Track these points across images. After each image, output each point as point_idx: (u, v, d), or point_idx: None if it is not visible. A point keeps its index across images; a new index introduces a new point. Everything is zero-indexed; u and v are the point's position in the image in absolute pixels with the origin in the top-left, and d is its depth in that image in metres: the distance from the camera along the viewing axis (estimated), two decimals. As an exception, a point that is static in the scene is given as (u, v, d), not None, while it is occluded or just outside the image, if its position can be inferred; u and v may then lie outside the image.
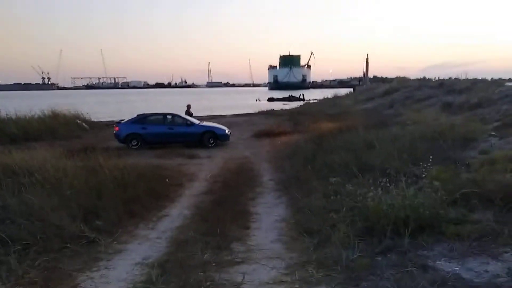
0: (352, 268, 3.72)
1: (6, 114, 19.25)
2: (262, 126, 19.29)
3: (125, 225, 5.52)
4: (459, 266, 3.46)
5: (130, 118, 14.79)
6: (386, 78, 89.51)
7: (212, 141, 14.11)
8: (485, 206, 4.48)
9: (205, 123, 15.35)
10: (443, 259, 3.64)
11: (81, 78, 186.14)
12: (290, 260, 4.26)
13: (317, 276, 3.73)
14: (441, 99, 17.19)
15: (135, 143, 13.56)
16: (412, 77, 49.56)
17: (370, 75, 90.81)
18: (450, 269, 3.42)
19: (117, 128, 14.18)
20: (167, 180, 8.23)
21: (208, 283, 3.68)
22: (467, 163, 5.98)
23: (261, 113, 27.97)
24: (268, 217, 6.06)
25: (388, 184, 5.12)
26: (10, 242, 4.39)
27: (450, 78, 28.98)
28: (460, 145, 7.62)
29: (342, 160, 7.77)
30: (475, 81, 21.91)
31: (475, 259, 3.54)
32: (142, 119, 14.33)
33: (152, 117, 14.50)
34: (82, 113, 20.96)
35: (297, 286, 3.62)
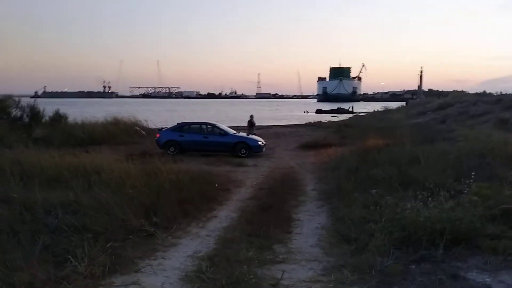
0: (386, 273, 3.97)
1: (74, 120, 21.25)
2: (308, 137, 19.61)
3: (179, 223, 6.11)
4: (491, 278, 3.61)
5: (171, 126, 15.81)
6: (442, 91, 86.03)
7: (244, 152, 14.44)
8: (526, 224, 4.52)
9: (241, 134, 15.88)
10: (475, 271, 3.79)
11: (138, 88, 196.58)
12: (327, 263, 4.58)
13: (352, 278, 4.03)
14: (497, 115, 16.50)
15: (173, 149, 14.16)
16: (471, 91, 47.34)
17: (425, 88, 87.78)
18: (480, 280, 3.58)
19: (158, 135, 15.18)
20: (216, 185, 8.81)
21: (251, 277, 4.09)
22: (512, 181, 5.94)
23: (308, 125, 28.24)
24: (309, 223, 6.39)
25: (429, 198, 5.30)
26: (82, 231, 5.12)
27: None
28: (509, 163, 7.47)
29: (385, 173, 7.91)
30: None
31: (508, 272, 3.66)
32: (180, 127, 15.30)
33: (190, 126, 15.39)
34: (140, 120, 22.48)
35: (331, 286, 3.94)
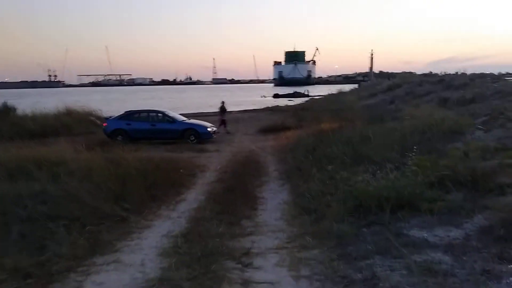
0: (342, 237, 4.54)
1: (23, 112, 20.35)
2: (267, 122, 20.11)
3: (150, 207, 6.39)
4: (427, 233, 4.27)
5: (118, 114, 15.59)
6: (392, 73, 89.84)
7: (193, 139, 14.37)
8: (458, 188, 5.26)
9: (190, 121, 15.78)
10: (415, 229, 4.44)
11: (87, 76, 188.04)
12: (291, 233, 5.10)
13: (313, 243, 4.56)
14: (439, 95, 17.86)
15: (121, 138, 13.76)
16: (419, 72, 49.89)
17: (376, 70, 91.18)
18: (419, 235, 4.23)
19: (105, 124, 15.00)
20: (181, 170, 9.08)
21: (224, 248, 4.52)
22: (448, 153, 6.75)
23: (266, 109, 28.82)
24: (273, 200, 6.90)
25: (377, 171, 5.96)
26: (56, 218, 5.26)
27: (456, 73, 29.48)
28: (447, 138, 8.36)
29: (339, 151, 8.56)
30: (473, 77, 22.53)
31: (441, 228, 4.34)
32: (128, 115, 15.10)
33: (138, 114, 15.14)
34: (94, 110, 21.91)
35: (296, 250, 4.46)
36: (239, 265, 4.13)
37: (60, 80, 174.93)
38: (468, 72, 28.25)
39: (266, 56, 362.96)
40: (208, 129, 15.00)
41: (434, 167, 5.68)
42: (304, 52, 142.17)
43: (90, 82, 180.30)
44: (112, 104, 41.20)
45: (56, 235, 4.74)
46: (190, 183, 8.37)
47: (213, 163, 10.70)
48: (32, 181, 6.98)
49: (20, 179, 7.21)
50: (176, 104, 40.75)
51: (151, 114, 15.18)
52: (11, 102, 20.64)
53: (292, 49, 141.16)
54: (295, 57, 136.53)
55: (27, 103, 27.31)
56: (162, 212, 6.31)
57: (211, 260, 4.17)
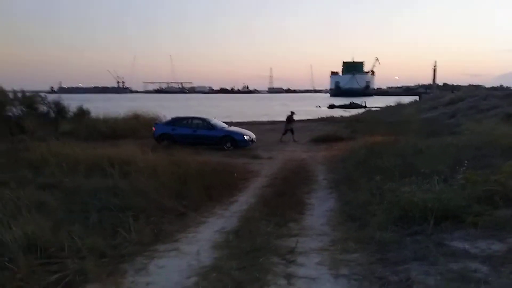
0: (383, 243, 4.76)
1: (96, 115, 22.40)
2: (320, 132, 20.28)
3: (205, 205, 6.99)
4: (469, 245, 4.36)
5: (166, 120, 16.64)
6: (456, 86, 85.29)
7: (229, 145, 15.00)
8: (507, 205, 5.23)
9: (229, 128, 16.37)
10: (457, 240, 4.54)
11: (152, 83, 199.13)
12: (334, 237, 5.38)
13: (355, 247, 4.82)
14: (504, 110, 16.95)
15: (166, 142, 14.66)
16: (487, 85, 47.01)
17: (440, 82, 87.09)
18: (460, 247, 4.33)
19: (154, 128, 16.09)
20: (235, 174, 9.67)
21: (271, 245, 4.93)
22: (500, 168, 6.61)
23: (320, 120, 28.88)
24: (320, 207, 7.19)
25: (427, 183, 6.05)
26: (125, 210, 6.01)
27: None
28: (504, 154, 8.10)
29: (390, 163, 8.63)
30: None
31: (484, 241, 4.40)
32: (174, 121, 16.18)
33: (182, 120, 16.14)
34: (159, 115, 23.47)
35: (337, 252, 4.74)
36: (284, 261, 4.51)
37: (128, 86, 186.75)
38: None
39: (323, 66, 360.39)
40: (245, 137, 15.48)
41: (484, 182, 5.66)
42: (362, 62, 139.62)
43: (154, 89, 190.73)
44: (175, 109, 43.64)
45: (126, 223, 5.43)
46: (243, 186, 8.90)
47: (265, 169, 11.18)
48: (106, 177, 7.93)
49: (96, 175, 8.20)
50: (231, 112, 42.14)
51: (194, 120, 16.10)
52: (85, 106, 22.71)
53: (350, 60, 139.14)
54: (353, 67, 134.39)
55: (102, 106, 29.92)
56: (217, 210, 6.87)
57: (259, 255, 4.60)
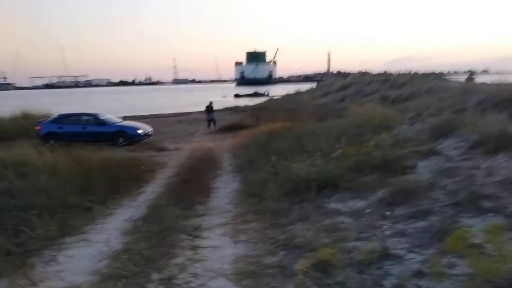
0: (276, 212, 5.54)
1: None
2: (226, 121, 20.97)
3: (112, 198, 7.11)
4: (341, 205, 5.35)
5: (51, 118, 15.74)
6: (349, 73, 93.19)
7: (122, 141, 14.57)
8: (372, 171, 6.41)
9: (121, 123, 15.79)
10: (333, 202, 5.53)
11: (40, 77, 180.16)
12: (236, 212, 6.04)
13: (253, 218, 5.54)
14: (382, 94, 19.53)
15: (53, 142, 13.73)
16: (375, 72, 52.25)
17: (335, 70, 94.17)
18: (334, 207, 5.31)
19: (38, 127, 15.14)
20: (142, 167, 9.80)
21: (178, 226, 5.39)
22: (373, 143, 7.97)
23: (226, 110, 29.65)
24: (224, 189, 7.82)
25: (314, 159, 7.04)
26: (26, 209, 5.88)
27: (410, 72, 31.43)
28: (376, 131, 9.62)
29: (286, 146, 9.64)
30: (413, 76, 24.61)
31: (353, 201, 5.44)
32: (60, 118, 15.32)
33: (70, 117, 15.37)
34: (52, 114, 21.81)
35: (238, 224, 5.40)
36: (190, 237, 5.02)
37: (10, 82, 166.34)
38: (422, 71, 30.44)
39: (228, 56, 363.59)
40: (139, 131, 15.07)
41: (356, 155, 6.83)
42: (265, 52, 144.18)
43: (43, 84, 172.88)
44: (68, 106, 40.49)
45: (29, 222, 5.38)
46: (150, 178, 9.11)
47: (172, 160, 11.45)
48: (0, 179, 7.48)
49: (-14, 179, 7.66)
50: (134, 106, 40.71)
51: (83, 117, 15.38)
52: None
53: (253, 50, 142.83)
54: (256, 57, 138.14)
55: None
56: (124, 202, 7.06)
57: (167, 235, 5.03)
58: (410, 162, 6.38)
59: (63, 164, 8.30)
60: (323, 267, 3.39)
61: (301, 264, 3.39)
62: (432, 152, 6.69)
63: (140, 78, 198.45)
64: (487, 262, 2.22)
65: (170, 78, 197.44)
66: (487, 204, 4.02)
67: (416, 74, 28.41)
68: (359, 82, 30.82)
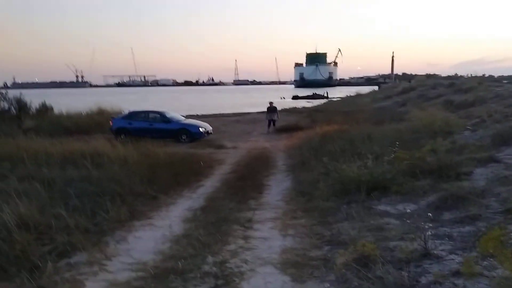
0: (324, 210, 5.77)
1: (59, 110, 22.36)
2: (282, 122, 21.31)
3: (175, 190, 7.77)
4: (390, 207, 5.44)
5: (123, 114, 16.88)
6: (415, 75, 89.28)
7: (184, 137, 15.49)
8: (426, 176, 6.37)
9: (185, 121, 16.77)
10: (383, 205, 5.62)
11: (112, 76, 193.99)
12: (286, 209, 6.36)
13: (301, 215, 5.82)
14: (447, 98, 18.64)
15: (123, 136, 14.40)
16: (444, 74, 49.67)
17: (399, 72, 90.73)
18: (383, 208, 5.41)
19: (111, 123, 16.41)
20: (201, 163, 10.47)
21: (232, 217, 5.83)
22: (428, 148, 7.83)
23: (283, 111, 29.98)
24: (277, 187, 8.17)
25: (366, 162, 7.13)
26: (101, 195, 6.69)
27: (483, 75, 29.46)
28: (433, 135, 9.39)
29: (339, 148, 9.75)
30: (482, 80, 23.11)
31: (403, 204, 5.50)
32: (130, 115, 16.53)
33: (139, 114, 16.49)
34: (123, 110, 23.67)
35: (287, 219, 5.72)
36: (243, 228, 5.42)
37: (87, 80, 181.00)
38: (497, 74, 28.49)
39: (288, 58, 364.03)
40: (201, 129, 16.00)
41: (409, 159, 6.81)
42: (325, 53, 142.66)
43: (115, 83, 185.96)
44: (140, 103, 43.34)
45: (103, 206, 6.13)
46: (209, 173, 9.72)
47: (229, 158, 12.04)
48: (79, 168, 8.49)
49: (69, 168, 8.73)
50: (196, 105, 42.52)
51: (150, 114, 16.47)
52: (36, 101, 22.46)
53: (314, 51, 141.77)
54: (316, 58, 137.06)
55: (61, 102, 29.50)
56: (185, 193, 7.68)
57: (222, 224, 5.49)
58: (466, 169, 6.25)
59: (133, 157, 9.19)
60: (364, 262, 3.60)
61: (342, 256, 3.62)
62: (491, 160, 6.50)
63: (203, 78, 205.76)
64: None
65: (231, 79, 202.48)
66: (539, 213, 3.94)
67: (485, 78, 26.73)
68: (423, 85, 29.60)
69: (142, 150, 10.15)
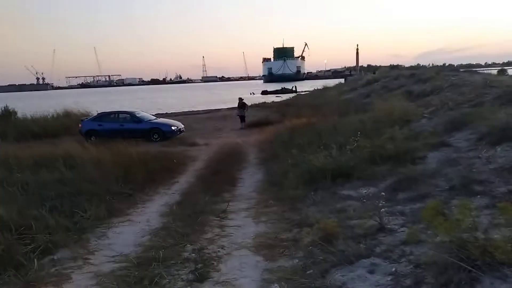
0: (294, 198, 6.20)
1: (23, 115, 21.78)
2: (253, 118, 21.71)
3: (150, 187, 7.99)
4: (353, 191, 5.94)
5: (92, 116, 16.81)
6: (379, 66, 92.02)
7: (156, 137, 15.46)
8: (385, 162, 6.93)
9: (156, 120, 16.80)
10: (346, 189, 6.11)
11: (76, 77, 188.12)
12: (259, 199, 6.75)
13: (274, 203, 6.23)
14: (408, 89, 19.62)
15: (93, 138, 14.65)
16: (407, 65, 51.56)
17: (365, 64, 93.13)
18: (346, 193, 5.90)
19: (80, 125, 16.29)
20: (174, 160, 10.69)
21: (208, 209, 6.16)
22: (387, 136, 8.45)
23: (253, 106, 30.41)
24: (249, 179, 8.55)
25: (330, 152, 7.63)
26: (78, 195, 6.83)
27: (444, 64, 30.94)
28: (393, 124, 10.04)
29: (307, 140, 10.24)
30: (440, 70, 24.39)
31: (364, 187, 6.01)
32: (100, 117, 16.41)
33: (109, 115, 16.43)
34: (91, 112, 23.32)
35: (260, 208, 6.11)
36: (218, 218, 5.77)
37: (48, 82, 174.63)
38: (457, 63, 30.01)
39: (256, 53, 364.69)
40: (172, 127, 16.01)
41: (370, 147, 7.36)
42: (293, 48, 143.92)
43: (79, 84, 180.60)
44: (106, 104, 42.52)
45: (81, 205, 6.30)
46: (183, 170, 9.98)
47: (202, 154, 12.31)
48: (52, 171, 8.53)
49: (41, 171, 8.74)
50: (168, 103, 42.24)
51: (120, 115, 16.38)
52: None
53: (281, 45, 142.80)
54: (284, 53, 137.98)
55: (22, 106, 28.60)
56: (160, 190, 7.93)
57: (198, 216, 5.81)
58: (421, 154, 6.84)
59: (105, 157, 9.28)
60: (328, 239, 4.03)
61: (308, 234, 4.05)
62: (443, 144, 7.13)
63: (171, 76, 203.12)
64: (448, 225, 2.78)
65: (199, 76, 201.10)
66: (478, 188, 4.51)
67: (444, 67, 28.11)
68: (387, 76, 30.75)
69: (114, 151, 10.24)
